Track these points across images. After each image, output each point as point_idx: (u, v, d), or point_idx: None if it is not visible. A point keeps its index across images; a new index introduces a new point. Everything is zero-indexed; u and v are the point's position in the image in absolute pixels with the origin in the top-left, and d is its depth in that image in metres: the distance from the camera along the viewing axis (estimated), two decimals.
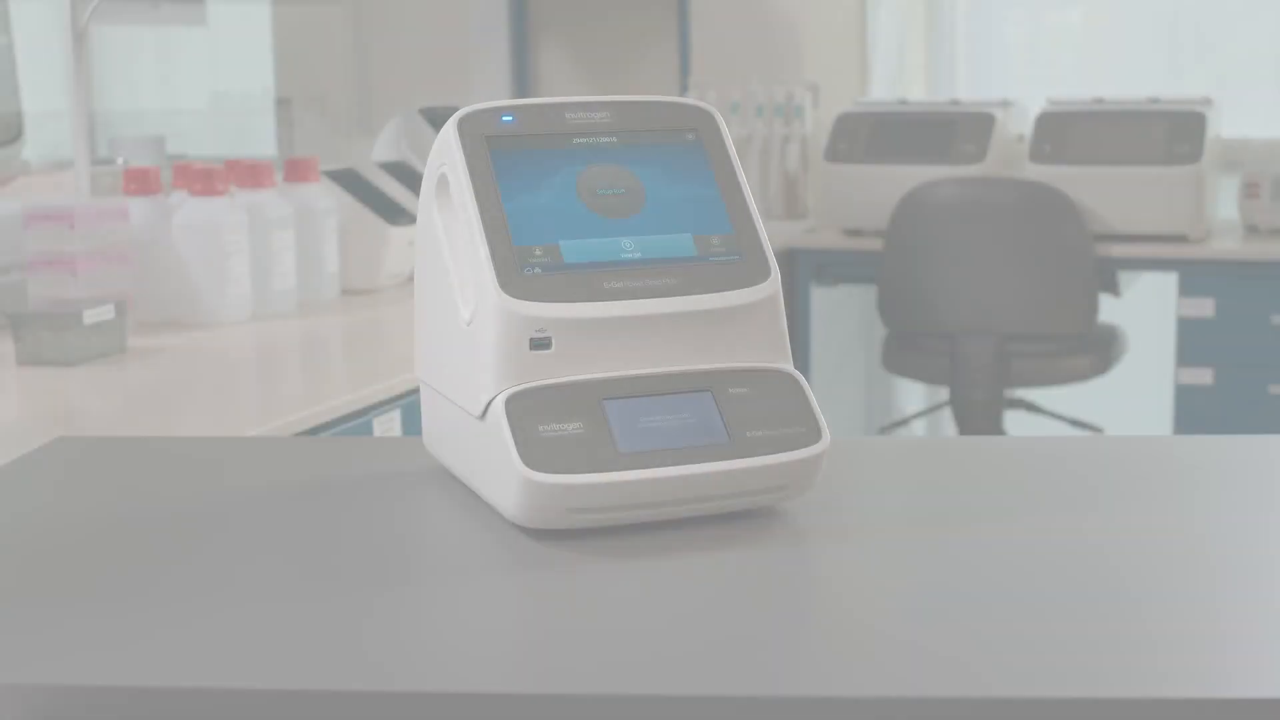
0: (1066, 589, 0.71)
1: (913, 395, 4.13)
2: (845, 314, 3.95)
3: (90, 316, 1.93)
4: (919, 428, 4.13)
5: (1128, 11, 4.09)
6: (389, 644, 0.65)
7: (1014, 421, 3.51)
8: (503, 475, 0.76)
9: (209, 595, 0.71)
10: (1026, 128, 3.59)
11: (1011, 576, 0.73)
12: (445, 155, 0.82)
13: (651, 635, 0.66)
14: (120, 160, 2.72)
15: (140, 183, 2.27)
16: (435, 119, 2.87)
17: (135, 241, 2.21)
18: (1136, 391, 3.83)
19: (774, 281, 0.81)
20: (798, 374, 0.82)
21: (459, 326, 0.80)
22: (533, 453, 0.75)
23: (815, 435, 0.79)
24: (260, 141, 3.49)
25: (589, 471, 0.75)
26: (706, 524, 0.78)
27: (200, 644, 0.65)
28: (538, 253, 0.78)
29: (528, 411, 0.76)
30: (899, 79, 4.25)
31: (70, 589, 0.71)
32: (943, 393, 3.65)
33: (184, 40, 3.40)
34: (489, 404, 0.77)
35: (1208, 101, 3.33)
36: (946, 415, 3.79)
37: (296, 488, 0.87)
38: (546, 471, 0.74)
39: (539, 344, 0.77)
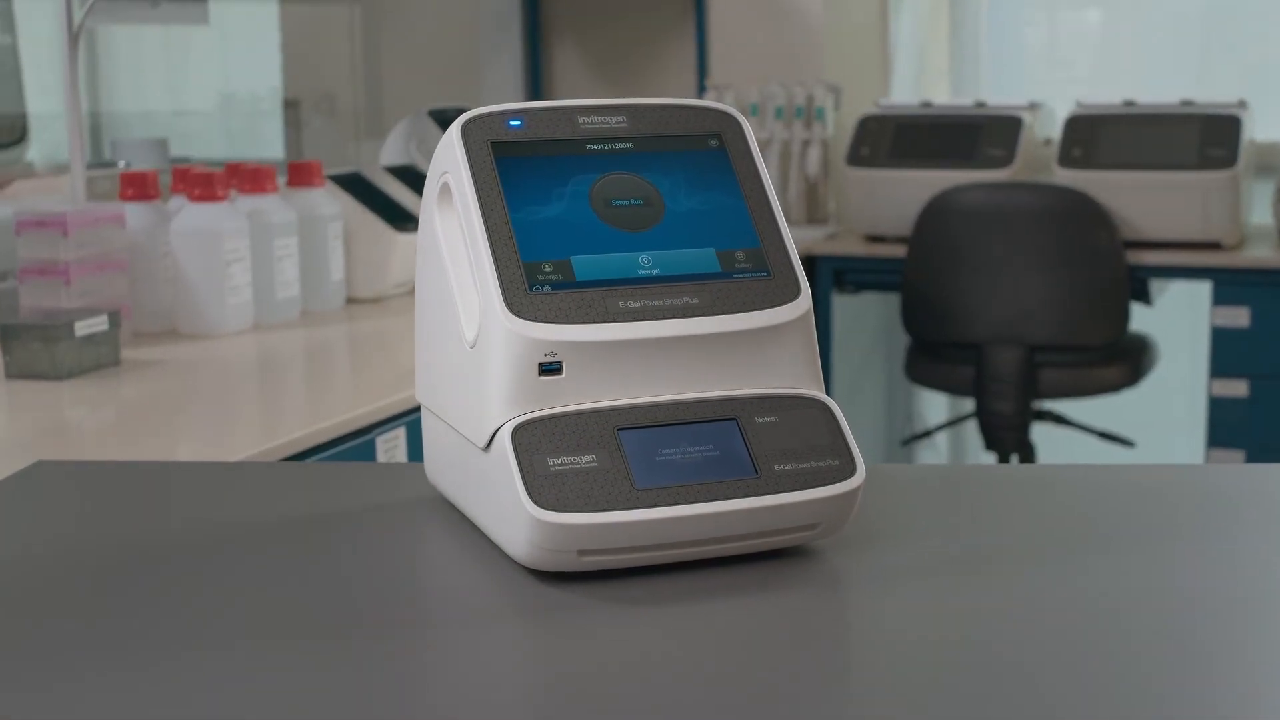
0: (1131, 642, 0.65)
1: (935, 406, 4.06)
2: (865, 322, 3.88)
3: (82, 328, 1.86)
4: (942, 440, 4.06)
5: (1147, 12, 4.02)
6: (382, 706, 0.58)
7: (1042, 434, 3.43)
8: (509, 513, 0.70)
9: (188, 647, 0.64)
10: (1054, 131, 3.51)
11: (1070, 626, 0.66)
12: (448, 162, 0.76)
13: (673, 691, 0.60)
14: (121, 163, 2.66)
15: (137, 187, 2.19)
16: (444, 121, 2.81)
17: (132, 249, 2.14)
18: (1168, 404, 3.76)
19: (805, 300, 0.76)
20: (830, 401, 0.76)
21: (462, 348, 0.75)
22: (541, 489, 0.69)
23: (850, 469, 0.73)
24: (268, 144, 3.44)
25: (603, 509, 0.69)
26: (731, 567, 0.72)
27: (177, 703, 0.59)
28: (547, 269, 0.72)
29: (536, 443, 0.70)
30: (921, 80, 4.18)
31: (35, 637, 0.65)
32: (967, 404, 3.58)
33: (192, 41, 3.35)
34: (494, 434, 0.71)
35: (1242, 104, 3.25)
36: (971, 427, 3.72)
37: (286, 522, 0.81)
38: (556, 510, 0.68)
39: (548, 369, 0.71)
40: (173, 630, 0.66)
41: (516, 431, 0.70)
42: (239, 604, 0.70)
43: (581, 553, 0.69)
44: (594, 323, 0.71)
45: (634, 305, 0.72)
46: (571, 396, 0.71)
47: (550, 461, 0.70)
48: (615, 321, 0.72)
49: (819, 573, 0.72)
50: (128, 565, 0.75)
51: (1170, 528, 0.80)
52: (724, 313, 0.73)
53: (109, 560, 0.76)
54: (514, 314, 0.71)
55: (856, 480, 0.73)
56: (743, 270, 0.75)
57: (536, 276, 0.72)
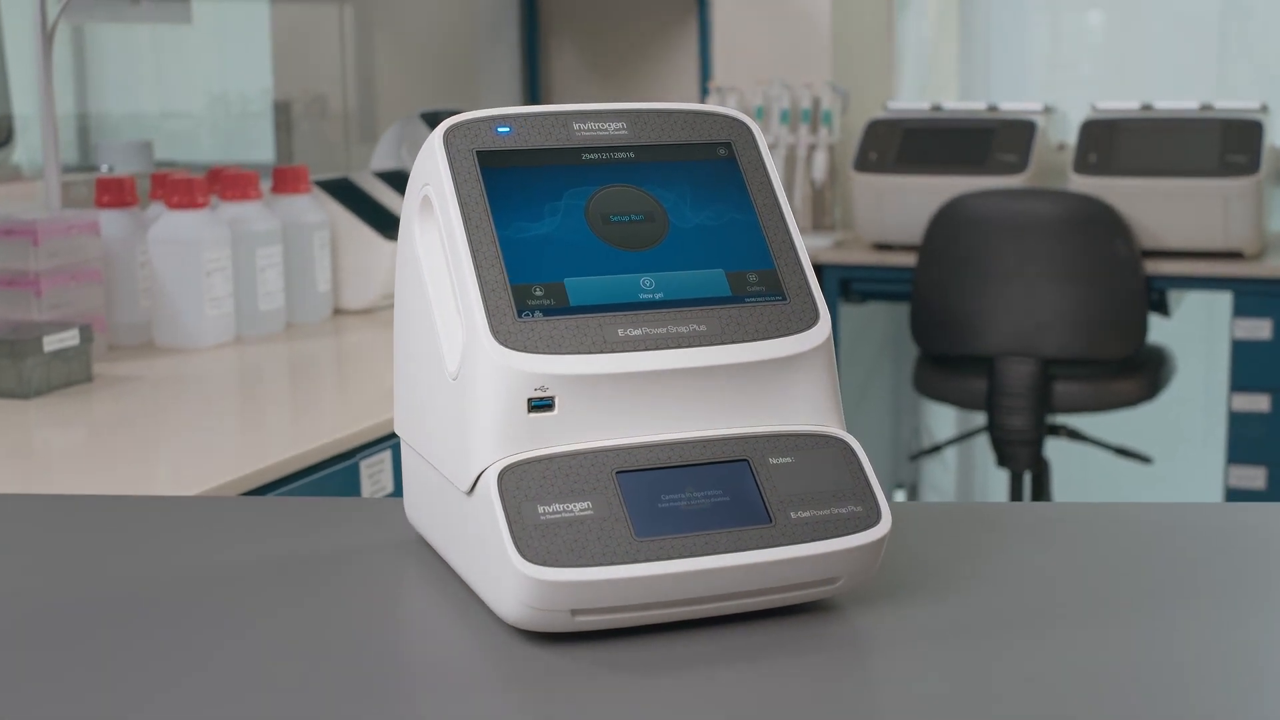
0: (1181, 709, 0.58)
1: (944, 420, 3.99)
2: (873, 332, 3.82)
3: (51, 342, 1.78)
4: (951, 455, 3.99)
5: (1157, 12, 3.95)
6: None
7: (1056, 449, 3.36)
8: (494, 566, 0.64)
9: (140, 715, 0.58)
10: (1068, 135, 3.44)
11: (1119, 693, 0.60)
12: (428, 173, 0.70)
13: None
14: (104, 167, 2.59)
15: (114, 194, 2.11)
16: (437, 124, 2.74)
17: (107, 259, 2.06)
18: (1187, 418, 3.68)
19: (824, 327, 0.70)
20: (852, 439, 0.69)
21: (443, 380, 0.68)
22: (530, 540, 0.62)
23: (874, 515, 0.67)
24: (259, 147, 3.37)
25: (599, 564, 0.62)
26: (742, 626, 0.65)
27: None
28: (538, 293, 0.66)
29: (525, 488, 0.64)
30: (928, 83, 4.12)
31: None
32: (977, 417, 3.51)
33: (185, 41, 3.29)
34: (478, 478, 0.65)
35: (1264, 109, 3.18)
36: (981, 442, 3.64)
37: (249, 568, 0.74)
38: (547, 564, 0.62)
39: (539, 405, 0.65)
40: (122, 696, 0.60)
41: (503, 475, 0.64)
42: (195, 665, 0.63)
43: (575, 612, 0.63)
44: (590, 353, 0.65)
45: (635, 333, 0.66)
46: (564, 436, 0.65)
47: (540, 509, 0.63)
48: (614, 352, 0.65)
49: (840, 632, 0.66)
50: (71, 618, 0.68)
51: (1217, 577, 0.73)
52: (735, 341, 0.67)
53: (52, 610, 0.69)
54: (501, 343, 0.64)
55: (882, 529, 0.66)
56: (755, 294, 0.69)
57: (526, 301, 0.66)
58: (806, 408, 0.69)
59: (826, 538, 0.65)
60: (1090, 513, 0.84)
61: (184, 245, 2.09)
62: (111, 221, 2.09)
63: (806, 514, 0.65)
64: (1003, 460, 3.14)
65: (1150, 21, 3.98)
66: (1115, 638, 0.65)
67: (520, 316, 0.65)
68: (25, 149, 2.77)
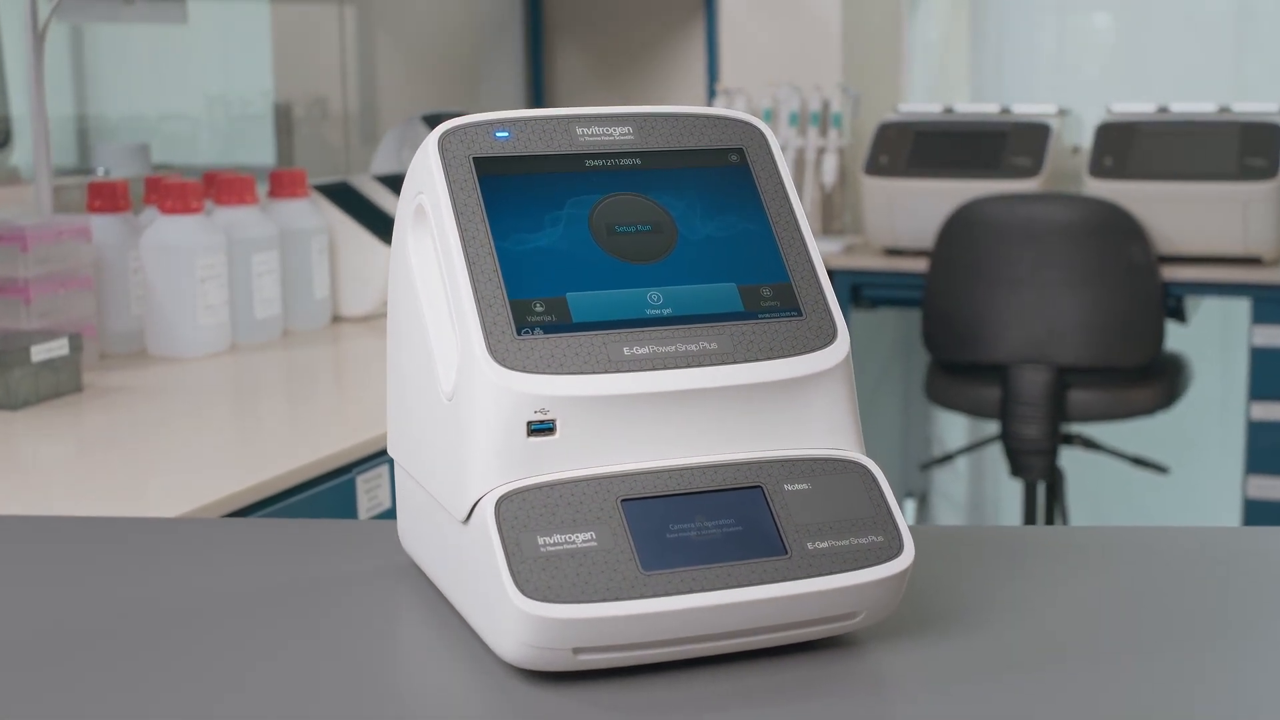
0: None
1: (955, 428, 3.94)
2: (883, 338, 3.78)
3: (39, 352, 1.74)
4: (963, 465, 3.94)
5: (1169, 13, 3.90)
6: None
7: (1071, 459, 3.32)
8: (491, 601, 0.60)
9: None
10: (1082, 138, 3.39)
11: None
12: (423, 180, 0.67)
13: None
14: (101, 170, 2.55)
15: (106, 198, 2.07)
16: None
17: (98, 265, 2.03)
18: (1204, 427, 3.64)
19: (843, 344, 0.66)
20: (872, 464, 0.66)
21: (437, 401, 0.65)
22: (530, 574, 0.59)
23: (896, 546, 0.63)
24: (259, 149, 3.33)
25: (603, 599, 0.59)
26: (755, 665, 0.62)
27: None
28: (538, 308, 0.63)
29: (524, 518, 0.60)
30: (939, 85, 4.07)
31: None
32: (989, 426, 3.46)
33: (183, 43, 3.25)
34: (474, 506, 0.61)
35: None
36: (994, 451, 3.60)
37: (231, 597, 0.71)
38: (548, 600, 0.58)
39: (539, 428, 0.61)
40: None
41: (501, 504, 0.61)
42: (174, 699, 0.59)
43: (578, 650, 0.59)
44: (594, 373, 0.62)
45: (641, 352, 0.63)
46: (566, 461, 0.62)
47: (540, 540, 0.60)
48: (619, 372, 0.62)
49: (861, 671, 0.62)
50: (46, 647, 0.65)
51: (1249, 608, 0.70)
52: (748, 360, 0.64)
53: (28, 638, 0.66)
54: (498, 362, 0.61)
55: (904, 561, 0.63)
56: (769, 309, 0.66)
57: (526, 317, 0.62)
58: (824, 430, 0.65)
59: (846, 570, 0.62)
60: (1116, 537, 0.81)
61: (177, 251, 2.06)
62: (103, 227, 2.05)
63: (824, 544, 0.62)
64: (1016, 470, 3.09)
65: (1164, 22, 3.94)
66: (1151, 675, 0.62)
67: (519, 334, 0.62)
68: (24, 151, 2.74)
